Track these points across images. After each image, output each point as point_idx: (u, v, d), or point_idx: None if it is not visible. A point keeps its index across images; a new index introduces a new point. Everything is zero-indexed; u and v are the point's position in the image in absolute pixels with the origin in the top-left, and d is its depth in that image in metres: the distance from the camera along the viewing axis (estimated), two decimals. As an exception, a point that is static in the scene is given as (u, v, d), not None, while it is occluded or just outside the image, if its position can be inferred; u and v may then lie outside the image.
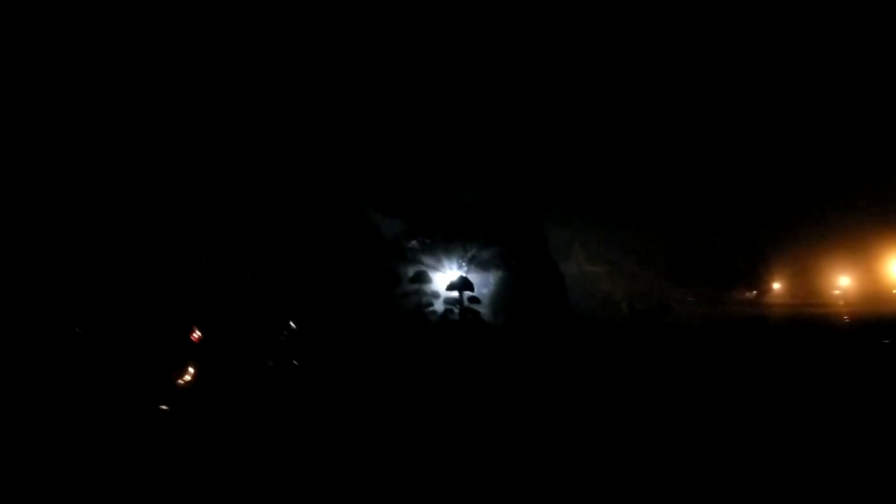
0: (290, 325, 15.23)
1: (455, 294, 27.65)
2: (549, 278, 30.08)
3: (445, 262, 29.79)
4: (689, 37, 42.87)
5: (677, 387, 14.81)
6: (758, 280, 63.61)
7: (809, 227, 57.95)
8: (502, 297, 29.90)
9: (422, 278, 27.40)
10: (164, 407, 10.16)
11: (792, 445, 9.18)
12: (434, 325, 26.25)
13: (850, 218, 54.79)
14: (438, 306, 27.75)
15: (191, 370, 10.76)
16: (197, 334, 11.20)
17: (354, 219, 28.42)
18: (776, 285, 67.48)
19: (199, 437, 9.93)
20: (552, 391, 14.58)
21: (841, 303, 57.94)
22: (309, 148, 30.26)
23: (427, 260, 29.50)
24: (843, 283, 64.48)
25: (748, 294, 63.90)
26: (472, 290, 27.67)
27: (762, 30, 45.13)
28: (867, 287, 61.40)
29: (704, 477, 7.88)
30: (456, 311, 27.15)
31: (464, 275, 28.58)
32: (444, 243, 29.82)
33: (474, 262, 30.00)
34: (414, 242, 29.74)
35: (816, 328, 32.82)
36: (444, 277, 29.03)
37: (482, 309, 28.37)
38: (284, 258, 19.69)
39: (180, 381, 10.61)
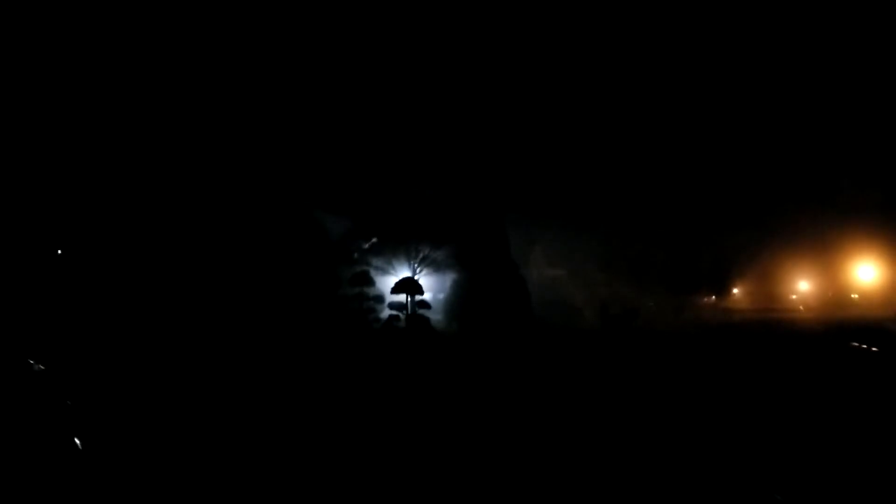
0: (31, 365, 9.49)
1: (402, 298, 24.11)
2: (510, 281, 26.72)
3: (395, 263, 26.11)
4: (650, 44, 41.57)
5: (666, 391, 13.93)
6: (718, 285, 63.14)
7: (768, 232, 57.76)
8: (458, 300, 26.40)
9: (363, 280, 23.68)
10: None
11: (783, 443, 9.19)
12: (375, 333, 22.53)
13: (809, 224, 54.79)
14: (385, 313, 24.18)
15: None
16: None
17: (297, 216, 25.05)
18: (735, 290, 67.29)
19: None
20: (528, 404, 12.04)
21: (801, 308, 57.85)
22: (249, 141, 27.12)
23: (374, 261, 25.79)
24: (801, 287, 64.66)
25: (708, 299, 63.24)
26: (420, 292, 24.15)
27: (721, 40, 44.31)
28: (825, 292, 61.80)
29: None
30: (402, 317, 23.57)
31: (412, 276, 25.03)
32: (393, 242, 26.18)
33: (426, 263, 26.40)
34: (366, 245, 26.10)
35: (782, 332, 31.66)
36: (393, 280, 25.37)
37: (434, 315, 24.89)
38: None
39: None
